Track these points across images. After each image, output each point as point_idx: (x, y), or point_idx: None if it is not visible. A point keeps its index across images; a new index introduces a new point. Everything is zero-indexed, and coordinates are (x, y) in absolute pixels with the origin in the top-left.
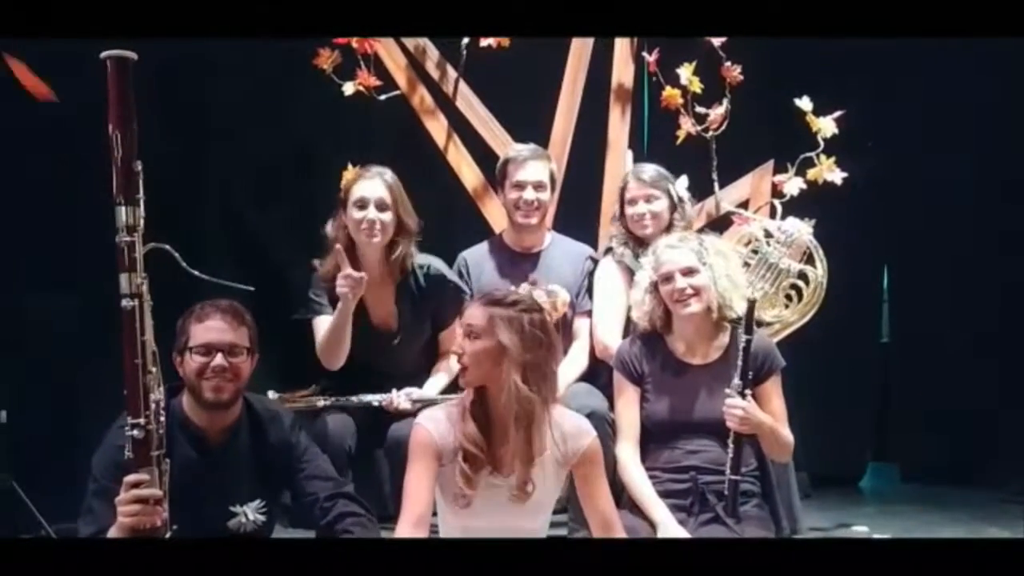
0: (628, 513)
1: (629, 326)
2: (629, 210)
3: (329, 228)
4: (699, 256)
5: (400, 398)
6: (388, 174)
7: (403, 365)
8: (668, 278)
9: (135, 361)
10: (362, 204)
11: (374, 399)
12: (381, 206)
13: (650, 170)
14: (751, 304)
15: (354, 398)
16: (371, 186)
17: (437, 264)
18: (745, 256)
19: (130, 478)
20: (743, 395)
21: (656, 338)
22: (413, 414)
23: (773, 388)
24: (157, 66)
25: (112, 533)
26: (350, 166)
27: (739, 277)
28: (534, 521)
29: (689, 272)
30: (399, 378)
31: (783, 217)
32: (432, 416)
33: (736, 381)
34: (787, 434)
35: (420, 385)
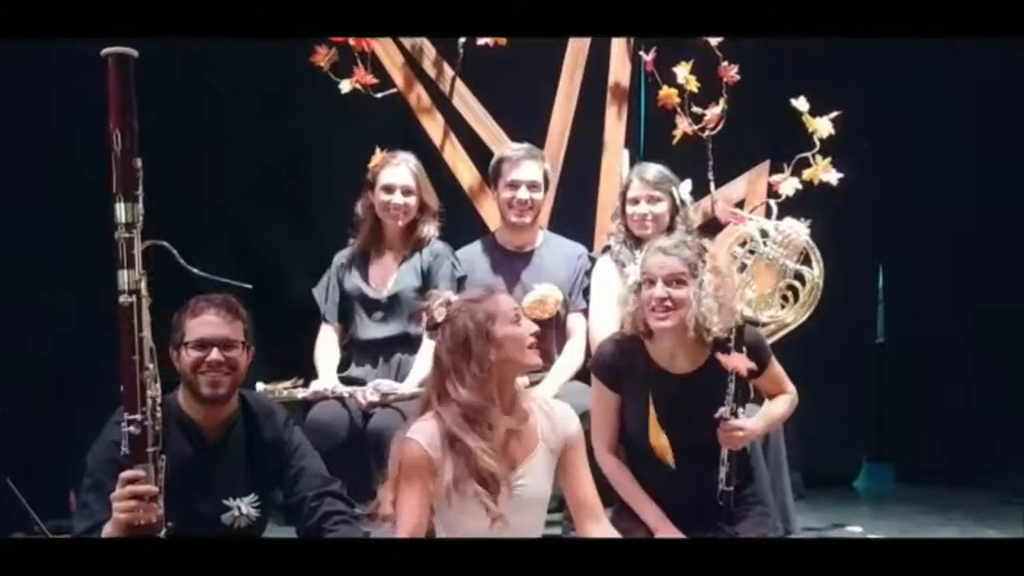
0: (621, 516)
1: None
2: (630, 209)
3: (358, 207)
4: (691, 267)
5: (368, 391)
6: (412, 161)
7: (389, 326)
8: (651, 282)
9: (132, 357)
10: (389, 189)
11: (345, 391)
12: (406, 191)
13: (654, 171)
14: (739, 329)
15: (329, 389)
16: (397, 173)
17: (443, 244)
18: (742, 256)
19: (126, 474)
20: (736, 415)
21: (637, 342)
22: (384, 406)
23: (773, 367)
24: (156, 64)
25: (108, 529)
26: (378, 150)
27: (730, 300)
28: (534, 515)
29: (672, 281)
30: (385, 347)
31: (779, 217)
32: (422, 429)
33: (730, 402)
34: (783, 406)
35: (407, 350)
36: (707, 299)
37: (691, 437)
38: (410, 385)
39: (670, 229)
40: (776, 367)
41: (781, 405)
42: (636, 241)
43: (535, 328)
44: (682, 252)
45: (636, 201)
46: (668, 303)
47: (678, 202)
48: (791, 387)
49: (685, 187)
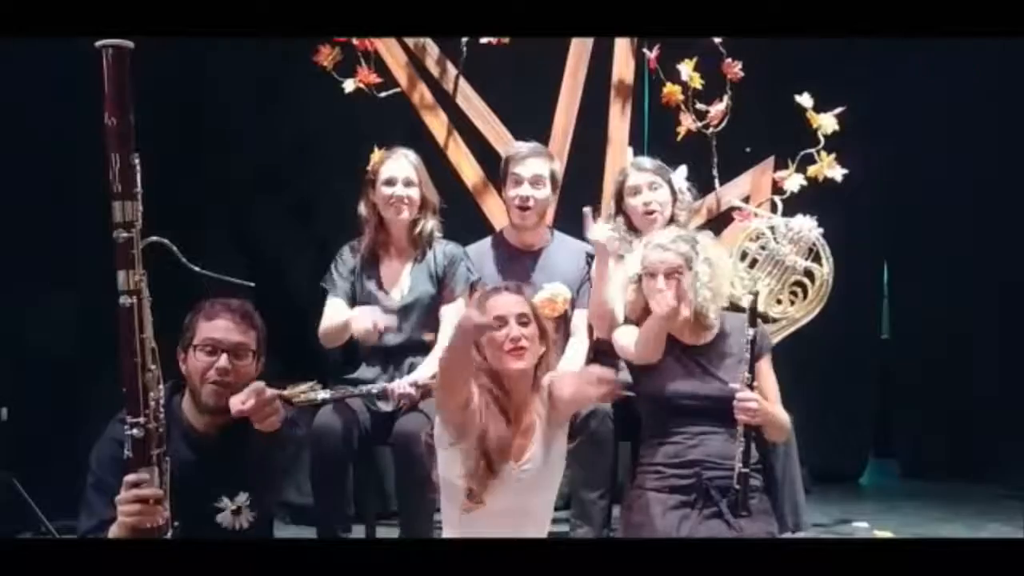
0: (630, 512)
1: None
2: (632, 201)
3: (361, 207)
4: (687, 260)
5: (403, 384)
6: (412, 155)
7: (403, 333)
8: (652, 275)
9: (134, 359)
10: (390, 182)
11: (373, 387)
12: (408, 183)
13: (648, 161)
14: (754, 298)
15: (353, 388)
16: (398, 165)
17: (455, 245)
18: (754, 252)
19: (130, 477)
20: (751, 388)
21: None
22: (415, 404)
23: (767, 366)
24: (156, 61)
25: (113, 532)
26: (376, 148)
27: (723, 286)
28: (540, 498)
29: (672, 274)
30: (398, 353)
31: (784, 214)
32: None
33: (745, 375)
34: (784, 414)
35: (419, 355)
36: (703, 289)
37: (708, 402)
38: (430, 370)
39: (672, 219)
40: (772, 373)
41: (782, 411)
42: (639, 236)
43: (518, 333)
44: (679, 247)
45: (637, 191)
46: (669, 295)
47: (676, 190)
48: (783, 409)
49: (680, 174)
